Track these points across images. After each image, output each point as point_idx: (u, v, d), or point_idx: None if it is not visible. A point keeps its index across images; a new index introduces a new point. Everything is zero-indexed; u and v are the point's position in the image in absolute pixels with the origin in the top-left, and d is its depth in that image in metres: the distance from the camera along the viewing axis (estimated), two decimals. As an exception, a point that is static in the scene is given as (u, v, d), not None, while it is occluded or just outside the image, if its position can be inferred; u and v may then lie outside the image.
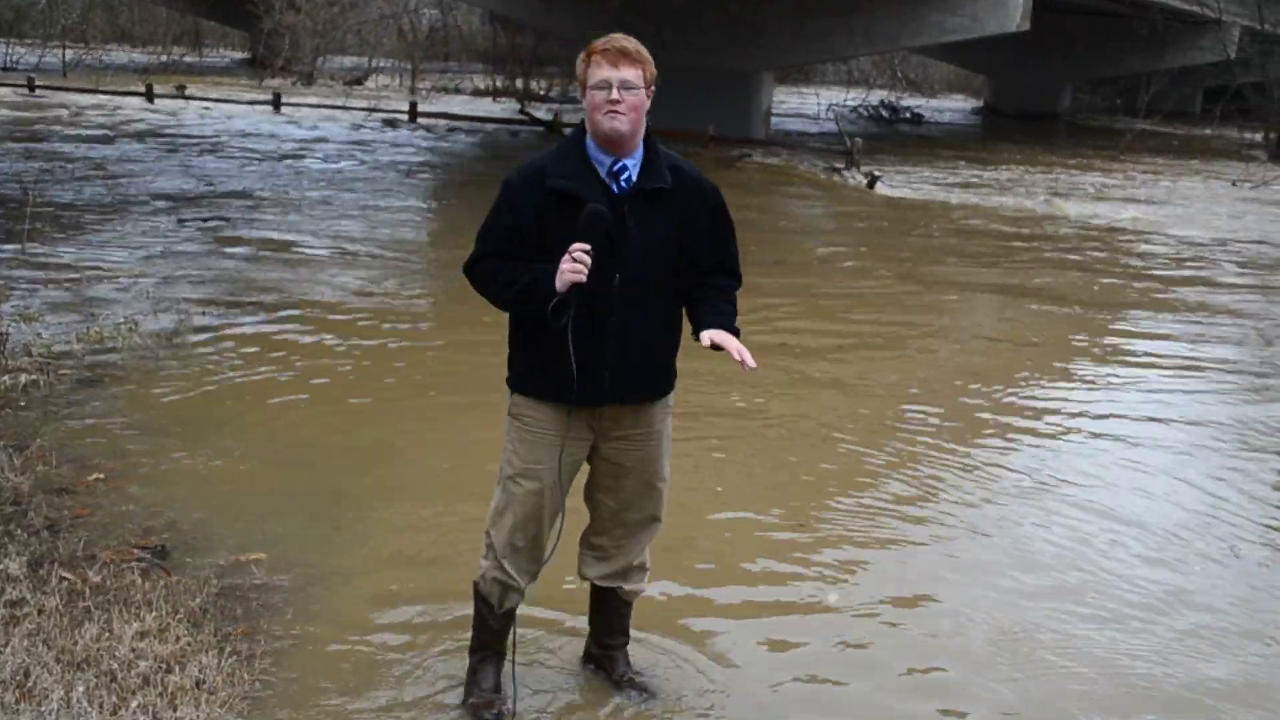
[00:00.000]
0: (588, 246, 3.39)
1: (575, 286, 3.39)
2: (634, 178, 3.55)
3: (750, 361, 3.43)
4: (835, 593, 4.87)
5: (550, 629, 4.37)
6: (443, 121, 27.91)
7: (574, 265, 3.37)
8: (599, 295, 3.47)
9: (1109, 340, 9.97)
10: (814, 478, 6.20)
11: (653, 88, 3.56)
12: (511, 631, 3.88)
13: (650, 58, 3.54)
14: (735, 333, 3.54)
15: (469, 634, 3.94)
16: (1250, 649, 4.63)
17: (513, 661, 3.88)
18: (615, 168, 3.54)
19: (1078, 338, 9.99)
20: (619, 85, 3.45)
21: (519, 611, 3.91)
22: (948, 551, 5.38)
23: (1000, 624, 4.68)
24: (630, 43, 3.52)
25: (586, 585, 4.03)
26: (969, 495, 6.09)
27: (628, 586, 3.95)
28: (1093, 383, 8.55)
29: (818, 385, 7.99)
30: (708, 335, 3.50)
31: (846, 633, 4.55)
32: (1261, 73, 32.29)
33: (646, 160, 3.58)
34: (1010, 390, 8.17)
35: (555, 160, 3.58)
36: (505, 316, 3.72)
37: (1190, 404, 8.00)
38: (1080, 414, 7.66)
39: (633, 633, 4.12)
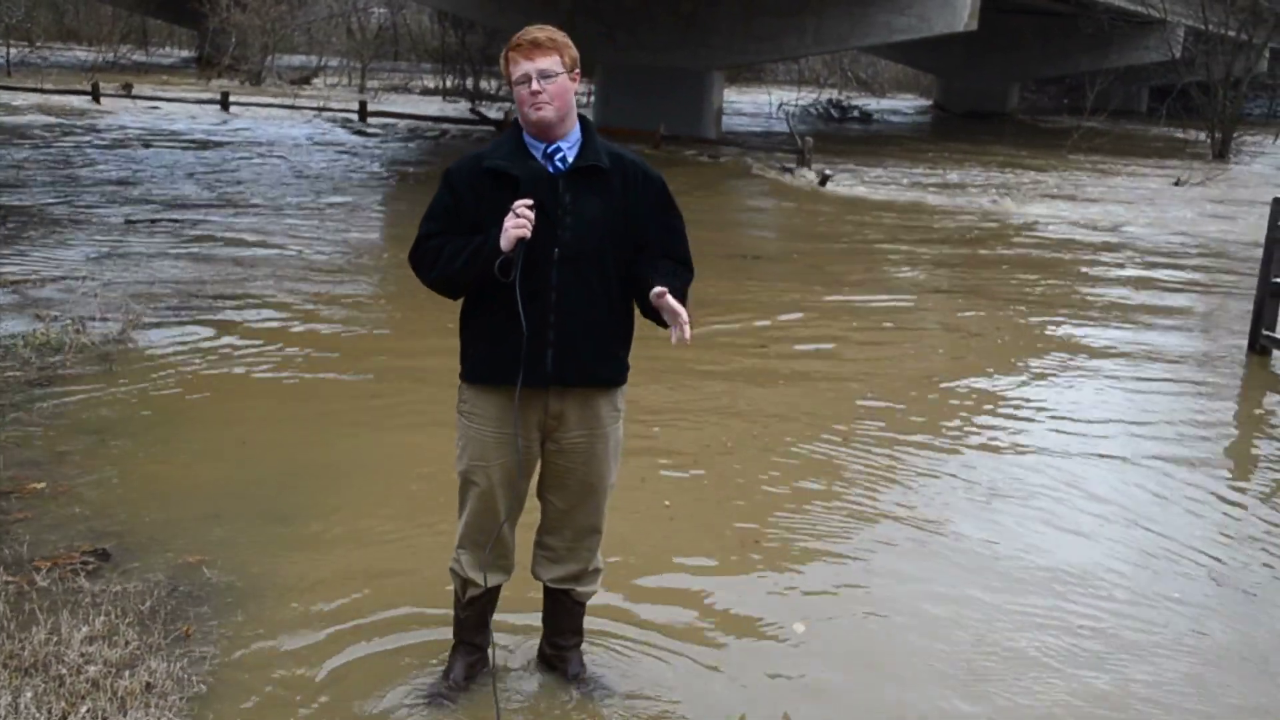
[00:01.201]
0: (530, 202, 3.48)
1: (520, 243, 3.46)
2: (569, 159, 3.63)
3: (687, 335, 3.45)
4: (801, 623, 4.62)
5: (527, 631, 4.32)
6: (393, 121, 27.79)
7: (517, 221, 3.45)
8: (539, 270, 3.53)
9: (1067, 346, 9.84)
10: (767, 492, 6.05)
11: (577, 71, 3.63)
12: (488, 634, 3.91)
13: (568, 43, 3.61)
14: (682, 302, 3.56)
15: (419, 634, 3.95)
16: (1235, 676, 4.48)
17: (492, 667, 3.91)
18: (550, 150, 3.62)
19: (1033, 342, 9.94)
20: (538, 76, 3.53)
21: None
22: (912, 572, 5.17)
23: (971, 646, 4.53)
24: (543, 32, 3.59)
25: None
26: (931, 512, 5.87)
27: (580, 589, 3.97)
28: (1048, 392, 8.44)
29: (767, 395, 7.91)
30: (659, 290, 3.49)
31: (810, 653, 4.41)
32: (1206, 72, 32.73)
33: (583, 144, 3.66)
34: (964, 398, 8.06)
35: (493, 147, 3.70)
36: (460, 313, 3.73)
37: (1162, 418, 7.76)
38: (1042, 423, 7.54)
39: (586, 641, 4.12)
